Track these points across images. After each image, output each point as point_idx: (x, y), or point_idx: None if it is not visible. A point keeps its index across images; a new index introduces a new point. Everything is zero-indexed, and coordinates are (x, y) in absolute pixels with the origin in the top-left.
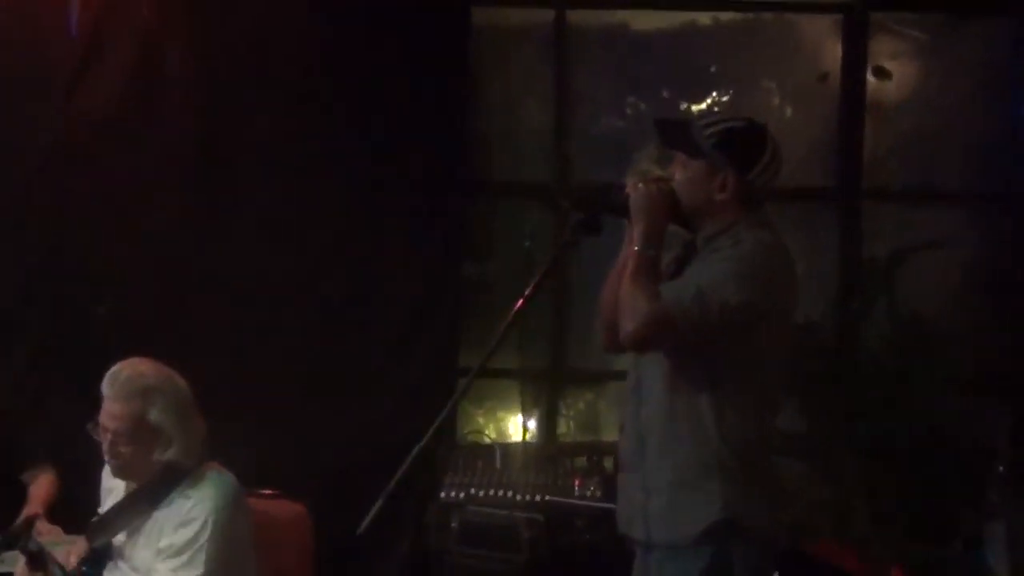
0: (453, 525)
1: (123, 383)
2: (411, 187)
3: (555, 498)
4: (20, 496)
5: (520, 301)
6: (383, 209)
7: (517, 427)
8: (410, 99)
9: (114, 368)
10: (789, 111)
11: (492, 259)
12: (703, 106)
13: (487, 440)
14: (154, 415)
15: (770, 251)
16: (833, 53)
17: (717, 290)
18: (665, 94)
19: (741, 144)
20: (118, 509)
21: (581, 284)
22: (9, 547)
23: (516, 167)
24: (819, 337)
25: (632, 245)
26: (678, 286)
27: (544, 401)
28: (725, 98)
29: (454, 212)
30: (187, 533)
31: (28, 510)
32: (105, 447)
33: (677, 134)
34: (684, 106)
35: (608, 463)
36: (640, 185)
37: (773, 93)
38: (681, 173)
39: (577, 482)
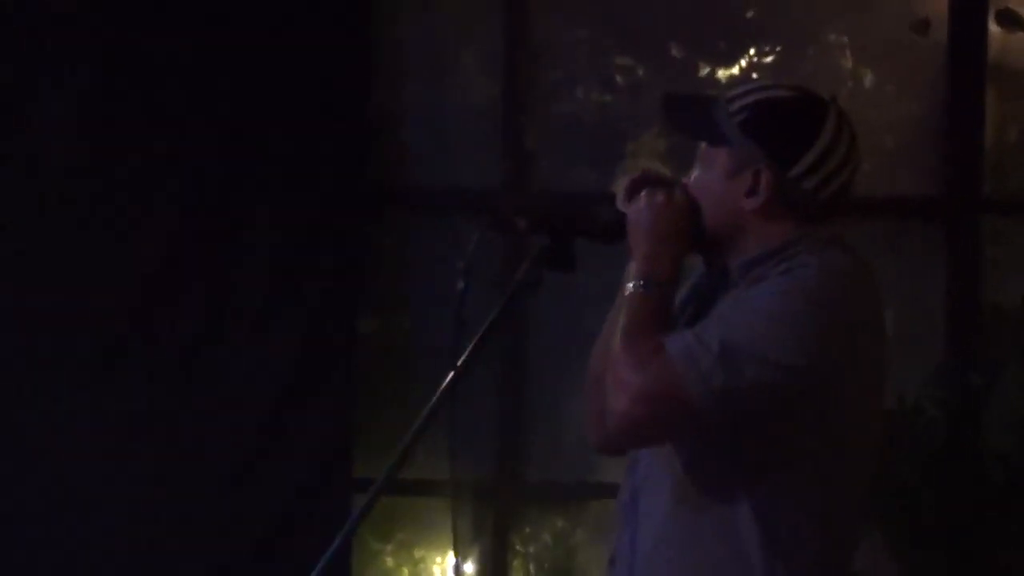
0: None
1: None
2: (287, 198)
3: None
4: None
5: (450, 374)
6: (245, 233)
7: (446, 573)
8: (284, 68)
9: None
10: (868, 79)
11: (407, 306)
12: (734, 71)
13: None
14: None
15: (845, 280)
16: None
17: (755, 341)
18: (675, 52)
19: (780, 123)
20: None
21: (547, 347)
22: None
23: (446, 167)
24: (918, 425)
25: (629, 283)
26: (693, 336)
27: (489, 530)
28: (769, 59)
29: (351, 235)
30: None
31: None
32: None
33: (694, 113)
34: (705, 72)
35: None
36: (643, 195)
37: (843, 51)
38: (701, 171)
39: None
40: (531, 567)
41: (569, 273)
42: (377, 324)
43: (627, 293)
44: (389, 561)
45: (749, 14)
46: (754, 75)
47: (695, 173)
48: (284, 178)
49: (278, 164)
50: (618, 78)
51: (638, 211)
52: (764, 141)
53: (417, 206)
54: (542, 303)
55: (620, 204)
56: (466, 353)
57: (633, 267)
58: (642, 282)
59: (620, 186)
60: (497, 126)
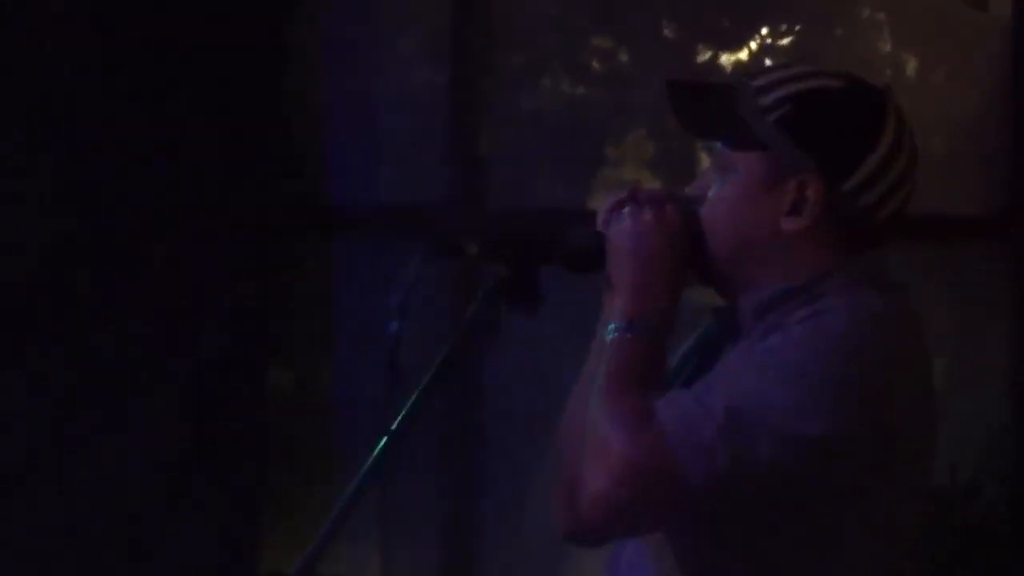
0: None
1: None
2: (175, 221)
3: None
4: None
5: (382, 440)
6: (121, 265)
7: None
8: (176, 63)
9: None
10: (912, 66)
11: (329, 353)
12: (741, 56)
13: None
14: None
15: (880, 329)
16: None
17: (768, 409)
18: (667, 32)
19: (833, 120)
20: None
21: (505, 409)
22: None
23: (379, 178)
24: (975, 508)
25: (610, 324)
26: (693, 399)
27: None
28: (787, 40)
29: (259, 265)
30: None
31: None
32: None
33: (710, 107)
34: (704, 57)
35: None
36: (625, 212)
37: (879, 31)
38: (716, 183)
39: None
40: None
41: (534, 313)
42: (292, 376)
43: (608, 338)
44: None
45: None
46: (767, 60)
47: (712, 185)
48: (172, 195)
49: (163, 177)
50: (595, 64)
51: (621, 233)
52: (813, 144)
53: (342, 228)
54: (500, 351)
55: (600, 224)
56: (402, 413)
57: (616, 305)
58: (628, 324)
59: (603, 205)
60: (443, 126)
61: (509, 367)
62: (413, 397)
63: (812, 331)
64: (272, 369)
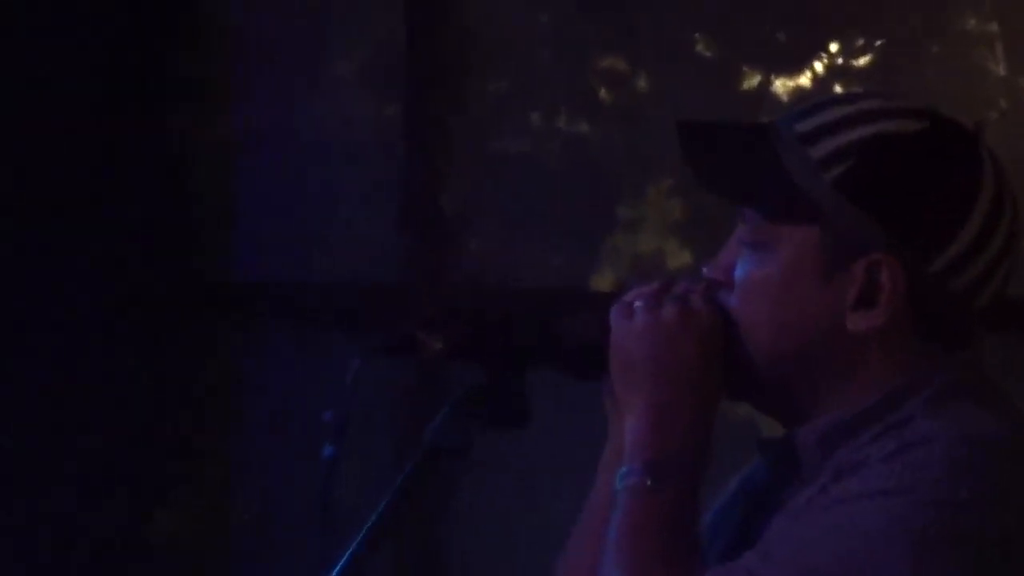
0: None
1: None
2: (38, 299)
3: None
4: None
5: None
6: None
7: None
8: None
9: None
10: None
11: (240, 484)
12: (802, 82)
13: None
14: None
15: (997, 460)
16: None
17: None
18: (701, 49)
19: (910, 178)
20: None
21: (481, 564)
22: None
23: (312, 248)
24: None
25: (619, 460)
26: (744, 572)
27: None
28: (864, 60)
29: (147, 361)
30: None
31: None
32: None
33: (735, 157)
34: (752, 83)
35: None
36: (638, 306)
37: (988, 47)
38: (744, 260)
39: None
40: None
41: (518, 429)
42: (185, 510)
43: (620, 488)
44: None
45: None
46: (837, 88)
47: (739, 263)
48: (32, 266)
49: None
50: (603, 94)
51: (631, 333)
52: (887, 211)
53: (258, 313)
54: (471, 481)
55: (617, 317)
56: (340, 566)
57: (629, 439)
58: (646, 468)
59: (622, 297)
60: (394, 175)
61: (481, 502)
62: (353, 543)
63: (905, 473)
64: (158, 507)
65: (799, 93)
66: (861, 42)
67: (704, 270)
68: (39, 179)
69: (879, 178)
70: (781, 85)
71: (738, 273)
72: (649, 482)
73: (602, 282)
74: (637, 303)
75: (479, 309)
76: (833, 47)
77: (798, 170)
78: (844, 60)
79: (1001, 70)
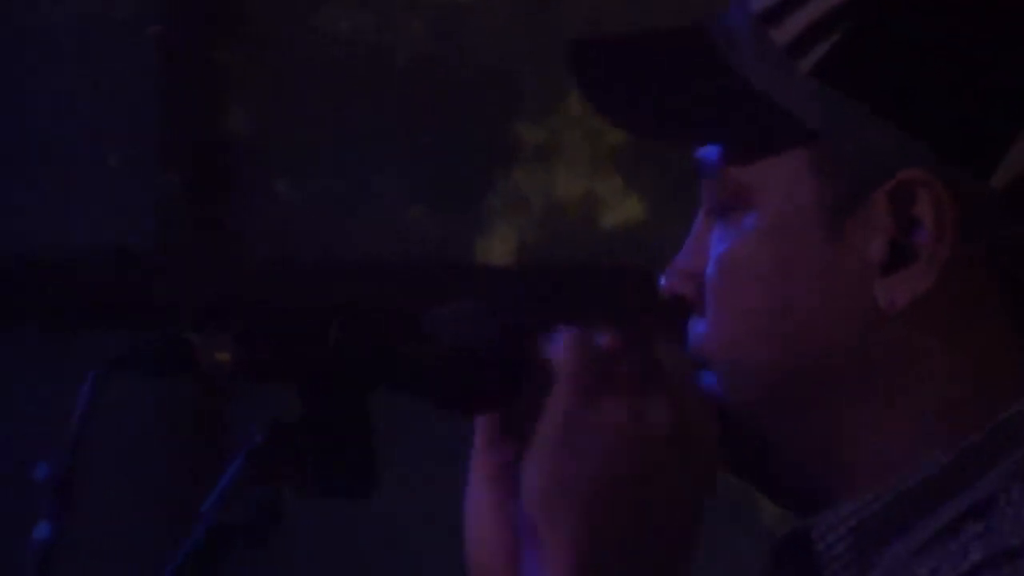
0: None
1: None
2: None
3: None
4: None
5: None
6: None
7: None
8: None
9: None
10: None
11: None
12: None
13: None
14: None
15: None
16: None
17: None
18: None
19: (932, 43)
20: None
21: None
22: None
23: (30, 213)
24: None
25: None
26: None
27: None
28: None
29: None
30: None
31: None
32: None
33: (661, 80)
34: None
35: None
36: (603, 384)
37: None
38: (724, 238)
39: None
40: None
41: (358, 497)
42: None
43: None
44: None
45: None
46: None
47: (711, 247)
48: None
49: None
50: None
51: (586, 432)
52: (899, 103)
53: None
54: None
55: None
56: None
57: (551, 552)
58: None
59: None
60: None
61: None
62: None
63: None
64: None
65: None
66: None
67: (662, 279)
68: None
69: (881, 50)
70: None
71: (709, 270)
72: None
73: (492, 250)
74: (598, 374)
75: (288, 297)
76: None
77: (757, 67)
78: None
79: None
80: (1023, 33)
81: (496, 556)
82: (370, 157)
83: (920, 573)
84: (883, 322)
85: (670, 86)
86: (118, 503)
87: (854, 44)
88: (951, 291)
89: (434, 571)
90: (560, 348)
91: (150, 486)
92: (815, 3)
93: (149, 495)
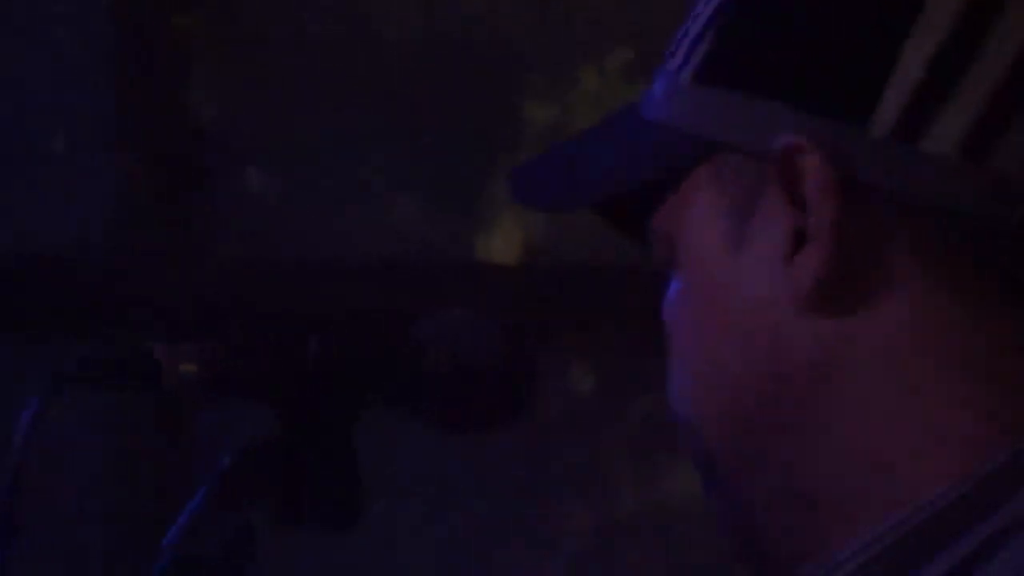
0: None
1: None
2: None
3: None
4: None
5: None
6: None
7: None
8: None
9: None
10: None
11: None
12: None
13: None
14: None
15: None
16: None
17: None
18: None
19: (793, 15)
20: None
21: None
22: None
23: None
24: None
25: None
26: None
27: None
28: None
29: None
30: None
31: None
32: None
33: (593, 156)
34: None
35: None
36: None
37: None
38: (673, 287)
39: None
40: None
41: (337, 529)
42: None
43: None
44: None
45: None
46: None
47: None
48: None
49: None
50: None
51: None
52: (765, 75)
53: None
54: None
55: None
56: None
57: None
58: None
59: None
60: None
61: None
62: None
63: None
64: None
65: None
66: None
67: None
68: None
69: (743, 34)
70: None
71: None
72: None
73: (496, 248)
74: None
75: (265, 301)
76: None
77: (653, 101)
78: None
79: None
80: None
81: None
82: (359, 144)
83: None
84: (811, 323)
85: (586, 154)
86: (65, 530)
87: (721, 38)
88: (881, 269)
89: None
90: None
91: (102, 504)
92: (693, 25)
93: (100, 516)
